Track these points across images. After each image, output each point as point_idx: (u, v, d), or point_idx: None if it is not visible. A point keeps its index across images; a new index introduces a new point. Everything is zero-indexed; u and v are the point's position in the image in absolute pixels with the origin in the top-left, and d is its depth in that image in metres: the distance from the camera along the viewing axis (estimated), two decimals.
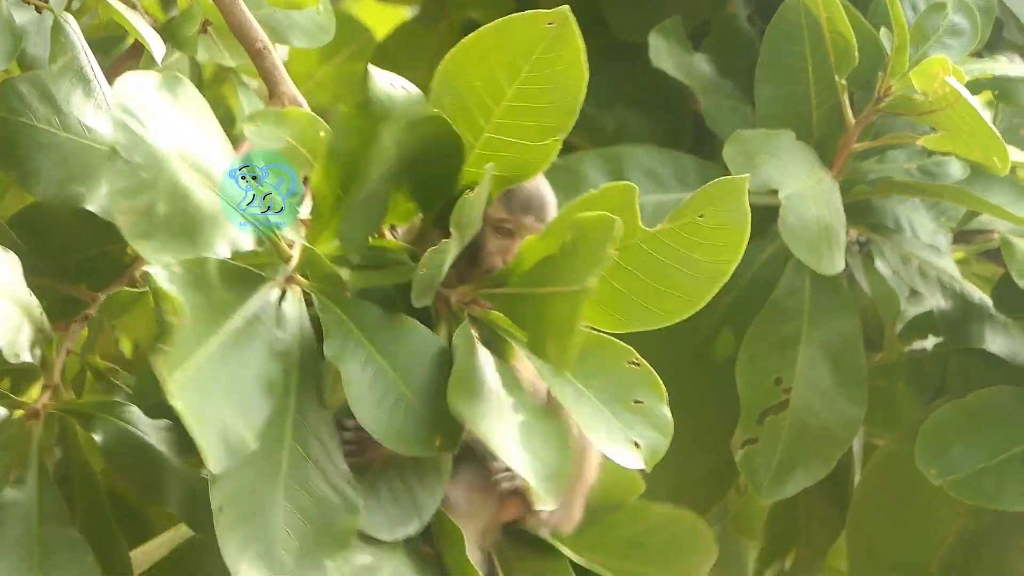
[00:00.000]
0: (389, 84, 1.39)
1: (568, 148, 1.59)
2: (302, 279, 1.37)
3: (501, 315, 1.40)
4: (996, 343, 2.16)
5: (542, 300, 1.33)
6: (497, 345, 1.42)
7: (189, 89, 1.34)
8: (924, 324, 2.26)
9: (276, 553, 1.27)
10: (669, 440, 1.39)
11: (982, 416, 2.05)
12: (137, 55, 1.81)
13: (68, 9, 1.64)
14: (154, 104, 1.29)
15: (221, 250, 1.29)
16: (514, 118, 1.39)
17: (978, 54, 2.19)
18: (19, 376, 1.53)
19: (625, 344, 1.40)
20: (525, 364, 1.44)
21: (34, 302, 1.35)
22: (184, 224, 1.27)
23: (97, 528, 1.40)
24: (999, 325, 2.16)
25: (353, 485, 1.34)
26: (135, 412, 1.42)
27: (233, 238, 1.31)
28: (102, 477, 1.50)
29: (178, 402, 1.19)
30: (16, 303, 1.32)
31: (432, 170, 1.42)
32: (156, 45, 1.57)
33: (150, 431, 1.41)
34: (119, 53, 2.01)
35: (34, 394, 1.45)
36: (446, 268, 1.38)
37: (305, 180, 1.61)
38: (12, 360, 1.30)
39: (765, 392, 2.12)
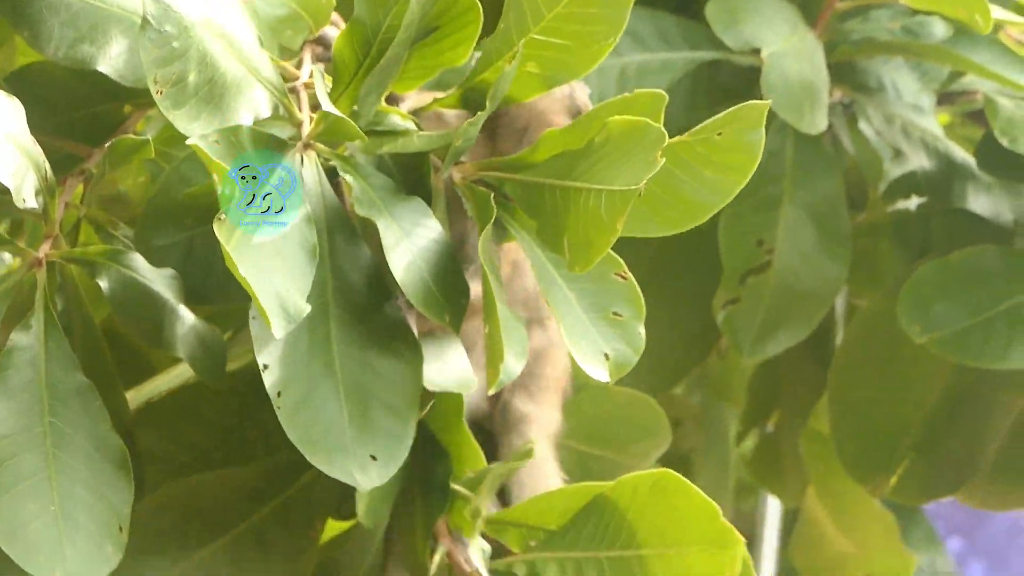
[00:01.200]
0: None
1: None
2: (320, 145, 1.34)
3: (513, 202, 1.39)
4: (979, 203, 2.16)
5: (572, 193, 1.31)
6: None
7: None
8: (907, 184, 2.26)
9: (343, 429, 1.28)
10: (638, 357, 1.37)
11: (966, 274, 2.05)
12: None
13: None
14: None
15: (244, 118, 1.28)
16: (563, 22, 1.36)
17: None
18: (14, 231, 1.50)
19: (616, 255, 1.39)
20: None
21: (38, 150, 1.32)
22: (211, 92, 1.26)
23: (98, 377, 1.36)
24: (982, 185, 2.17)
25: (412, 338, 1.34)
26: (138, 259, 1.39)
27: (255, 105, 1.29)
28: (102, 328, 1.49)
29: (239, 268, 1.18)
30: (20, 149, 1.29)
31: (447, 42, 1.40)
32: None
33: (154, 278, 1.39)
34: None
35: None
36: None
37: (303, 44, 1.58)
38: (20, 205, 1.27)
39: (747, 253, 2.12)
